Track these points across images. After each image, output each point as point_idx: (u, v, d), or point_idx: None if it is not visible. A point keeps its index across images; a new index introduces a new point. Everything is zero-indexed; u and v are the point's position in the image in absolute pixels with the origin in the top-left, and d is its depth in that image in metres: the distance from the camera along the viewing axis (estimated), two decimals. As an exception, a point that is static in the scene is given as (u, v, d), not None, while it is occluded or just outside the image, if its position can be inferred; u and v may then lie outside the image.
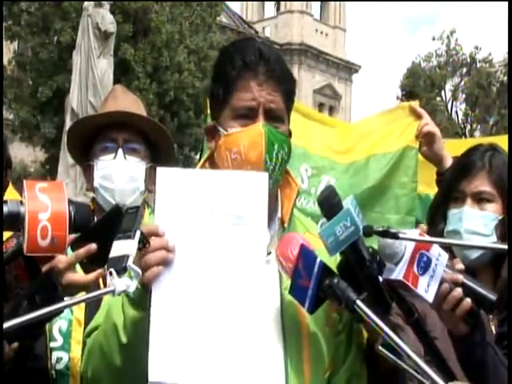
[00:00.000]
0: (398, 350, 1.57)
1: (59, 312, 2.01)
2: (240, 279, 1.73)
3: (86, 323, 2.44)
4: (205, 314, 1.71)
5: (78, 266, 2.09)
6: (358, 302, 1.64)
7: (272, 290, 1.92)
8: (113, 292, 1.64)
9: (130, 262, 1.66)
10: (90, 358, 1.93)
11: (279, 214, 2.06)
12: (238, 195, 1.75)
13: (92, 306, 2.30)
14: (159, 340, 1.69)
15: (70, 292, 2.14)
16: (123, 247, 1.70)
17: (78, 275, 2.07)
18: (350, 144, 3.16)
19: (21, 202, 1.68)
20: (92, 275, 2.06)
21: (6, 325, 1.46)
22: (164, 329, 1.70)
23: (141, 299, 1.74)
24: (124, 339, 1.80)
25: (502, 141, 3.34)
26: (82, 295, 2.35)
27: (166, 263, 1.70)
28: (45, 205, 1.66)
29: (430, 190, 3.16)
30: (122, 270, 1.66)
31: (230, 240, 1.74)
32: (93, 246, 1.94)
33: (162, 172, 1.77)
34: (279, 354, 1.88)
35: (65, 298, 2.45)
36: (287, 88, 2.06)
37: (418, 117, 3.04)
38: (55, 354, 2.52)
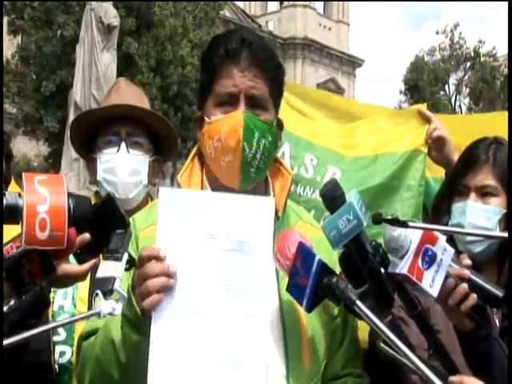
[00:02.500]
0: (397, 350, 1.56)
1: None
2: (243, 309, 1.70)
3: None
4: (205, 343, 1.68)
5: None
6: (358, 303, 1.62)
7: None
8: (98, 314, 1.65)
9: (116, 285, 1.66)
10: (86, 364, 1.90)
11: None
12: (242, 220, 1.71)
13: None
14: (158, 368, 1.67)
15: (65, 283, 2.14)
16: (111, 268, 1.70)
17: (73, 266, 2.06)
18: (357, 140, 3.10)
19: (19, 195, 1.67)
20: (86, 266, 2.05)
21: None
22: (164, 356, 1.67)
23: (140, 324, 1.71)
24: (122, 358, 1.77)
25: (493, 118, 3.35)
26: (67, 317, 2.37)
27: (166, 290, 1.67)
28: (43, 197, 1.65)
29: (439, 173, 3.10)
30: (108, 292, 1.67)
31: (232, 267, 1.70)
32: (86, 236, 1.92)
33: (164, 192, 1.72)
34: (279, 340, 1.88)
35: (57, 289, 2.45)
36: (273, 75, 2.04)
37: (427, 120, 2.99)
38: (58, 348, 2.53)
